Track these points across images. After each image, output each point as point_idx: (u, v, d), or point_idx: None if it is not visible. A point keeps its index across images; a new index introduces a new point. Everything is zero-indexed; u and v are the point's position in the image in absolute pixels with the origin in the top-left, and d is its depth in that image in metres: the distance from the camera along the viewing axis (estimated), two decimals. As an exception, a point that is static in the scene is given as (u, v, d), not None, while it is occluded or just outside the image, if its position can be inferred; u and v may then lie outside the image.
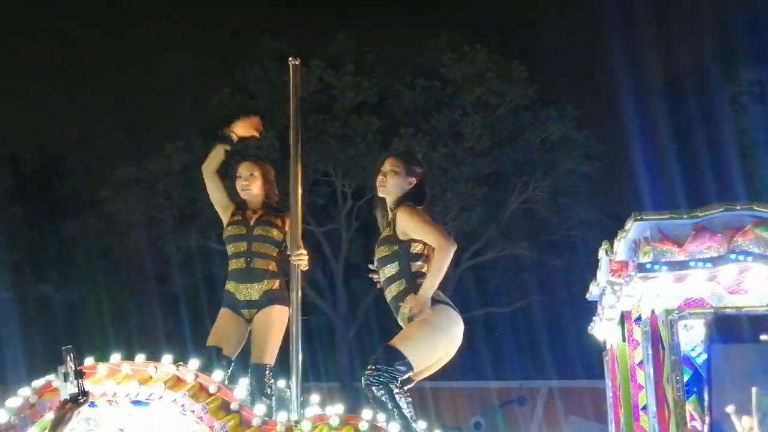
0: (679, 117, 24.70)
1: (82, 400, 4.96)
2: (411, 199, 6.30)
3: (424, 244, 6.22)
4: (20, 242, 25.31)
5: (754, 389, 4.12)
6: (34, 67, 30.83)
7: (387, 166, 6.42)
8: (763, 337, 4.15)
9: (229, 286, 7.01)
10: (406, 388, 5.97)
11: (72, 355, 4.92)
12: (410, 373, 5.92)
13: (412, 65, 24.65)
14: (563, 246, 24.41)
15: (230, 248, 7.06)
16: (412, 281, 6.13)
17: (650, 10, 27.02)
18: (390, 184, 6.39)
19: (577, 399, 23.96)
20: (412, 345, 5.92)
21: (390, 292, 6.23)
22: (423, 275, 6.14)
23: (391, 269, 6.23)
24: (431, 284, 6.07)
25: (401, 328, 6.15)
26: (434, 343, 6.02)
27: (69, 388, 4.91)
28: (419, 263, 6.21)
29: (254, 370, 6.84)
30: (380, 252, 6.30)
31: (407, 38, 28.29)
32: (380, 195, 6.47)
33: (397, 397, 5.81)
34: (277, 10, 30.53)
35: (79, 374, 4.95)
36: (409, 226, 6.17)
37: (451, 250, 6.12)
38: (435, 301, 6.02)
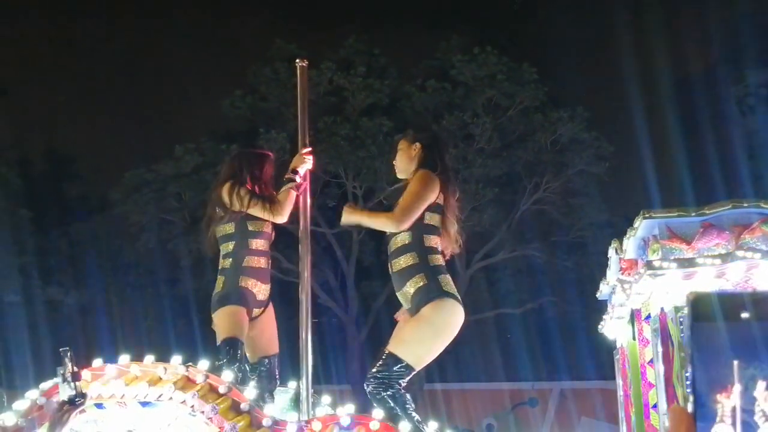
0: (687, 118, 24.71)
1: (78, 402, 4.99)
2: (424, 165, 6.19)
3: (440, 216, 6.08)
4: (29, 245, 25.24)
5: (735, 362, 4.22)
6: (44, 69, 30.86)
7: (395, 150, 6.43)
8: (743, 315, 4.23)
9: (249, 283, 6.69)
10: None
11: (69, 356, 4.95)
12: (412, 374, 5.83)
13: (422, 67, 24.60)
14: (574, 246, 24.34)
15: (260, 243, 6.88)
16: (424, 257, 5.90)
17: (659, 12, 27.05)
18: (400, 162, 6.35)
19: (589, 400, 23.93)
20: (411, 348, 5.80)
21: (398, 264, 5.98)
22: (436, 252, 5.98)
23: (403, 238, 5.98)
24: (365, 217, 6.19)
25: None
26: (434, 343, 5.87)
27: (66, 390, 4.95)
28: (433, 237, 6.01)
29: (271, 361, 6.77)
30: None
31: (418, 40, 28.30)
32: (399, 177, 6.40)
33: (402, 399, 5.72)
34: (288, 12, 30.53)
35: (76, 376, 4.97)
36: (408, 188, 6.05)
37: (393, 225, 5.94)
38: (443, 293, 5.83)
